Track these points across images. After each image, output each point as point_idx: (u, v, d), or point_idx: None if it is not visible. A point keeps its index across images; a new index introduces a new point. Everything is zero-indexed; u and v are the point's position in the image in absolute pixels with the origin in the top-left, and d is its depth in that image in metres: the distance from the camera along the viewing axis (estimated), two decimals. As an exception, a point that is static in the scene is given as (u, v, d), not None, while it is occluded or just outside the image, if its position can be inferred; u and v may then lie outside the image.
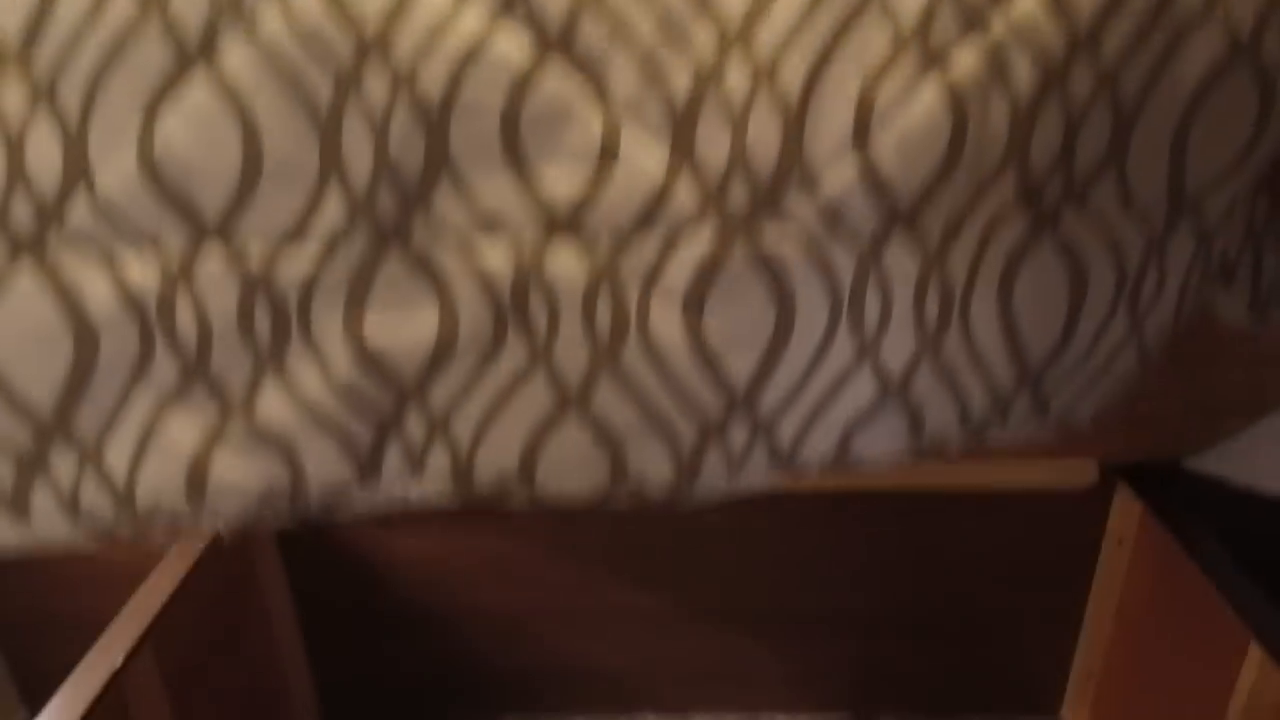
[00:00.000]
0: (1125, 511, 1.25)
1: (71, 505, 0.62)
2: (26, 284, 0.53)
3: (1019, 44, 0.52)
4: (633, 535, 1.33)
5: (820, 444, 0.65)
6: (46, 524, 0.62)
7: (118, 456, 0.60)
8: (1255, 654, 0.99)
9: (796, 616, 1.38)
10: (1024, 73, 0.52)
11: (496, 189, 0.54)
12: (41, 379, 0.56)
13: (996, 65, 0.52)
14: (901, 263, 0.58)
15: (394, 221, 0.55)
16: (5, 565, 1.37)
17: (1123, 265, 0.60)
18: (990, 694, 1.45)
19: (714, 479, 0.64)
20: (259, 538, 1.30)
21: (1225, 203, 0.60)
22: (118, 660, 0.98)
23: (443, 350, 0.58)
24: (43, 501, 0.62)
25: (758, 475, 0.65)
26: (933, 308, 0.59)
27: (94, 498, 0.61)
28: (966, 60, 0.52)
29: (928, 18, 0.52)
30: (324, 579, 1.37)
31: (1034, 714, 1.45)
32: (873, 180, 0.54)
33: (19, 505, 0.61)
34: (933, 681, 1.43)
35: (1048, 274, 0.59)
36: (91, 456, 0.60)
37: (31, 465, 0.60)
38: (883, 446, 0.66)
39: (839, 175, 0.54)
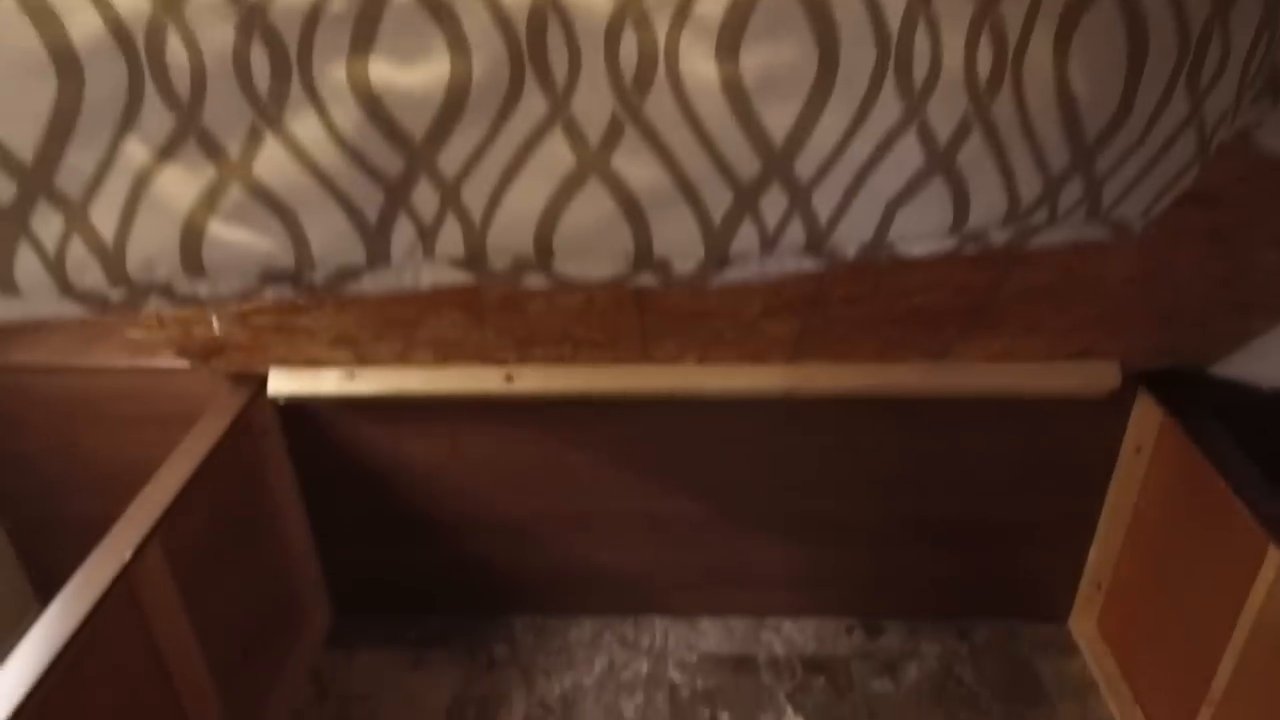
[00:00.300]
0: (1145, 419, 1.23)
1: (58, 268, 0.57)
2: (4, 3, 0.49)
3: None
4: (642, 442, 1.31)
5: (859, 220, 0.61)
6: (32, 291, 0.58)
7: (106, 215, 0.56)
8: (1274, 560, 0.98)
9: (805, 522, 1.38)
10: None
11: None
12: (21, 119, 0.52)
13: None
14: (951, 7, 0.54)
15: None
16: (15, 466, 1.36)
17: (1186, 29, 0.55)
18: (997, 602, 1.45)
19: (745, 257, 0.60)
20: (268, 438, 1.29)
21: None
22: (125, 555, 0.97)
23: (455, 101, 0.54)
24: (27, 265, 0.57)
25: (791, 255, 0.61)
26: (984, 62, 0.55)
27: (82, 261, 0.57)
28: None
29: None
30: (333, 482, 1.36)
31: (1041, 622, 1.46)
32: None
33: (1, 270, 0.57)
34: (940, 589, 1.44)
35: (1107, 31, 0.54)
36: (78, 215, 0.55)
37: (13, 223, 0.55)
38: (924, 227, 0.62)
39: None
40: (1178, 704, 1.18)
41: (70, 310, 0.59)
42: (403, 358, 1.17)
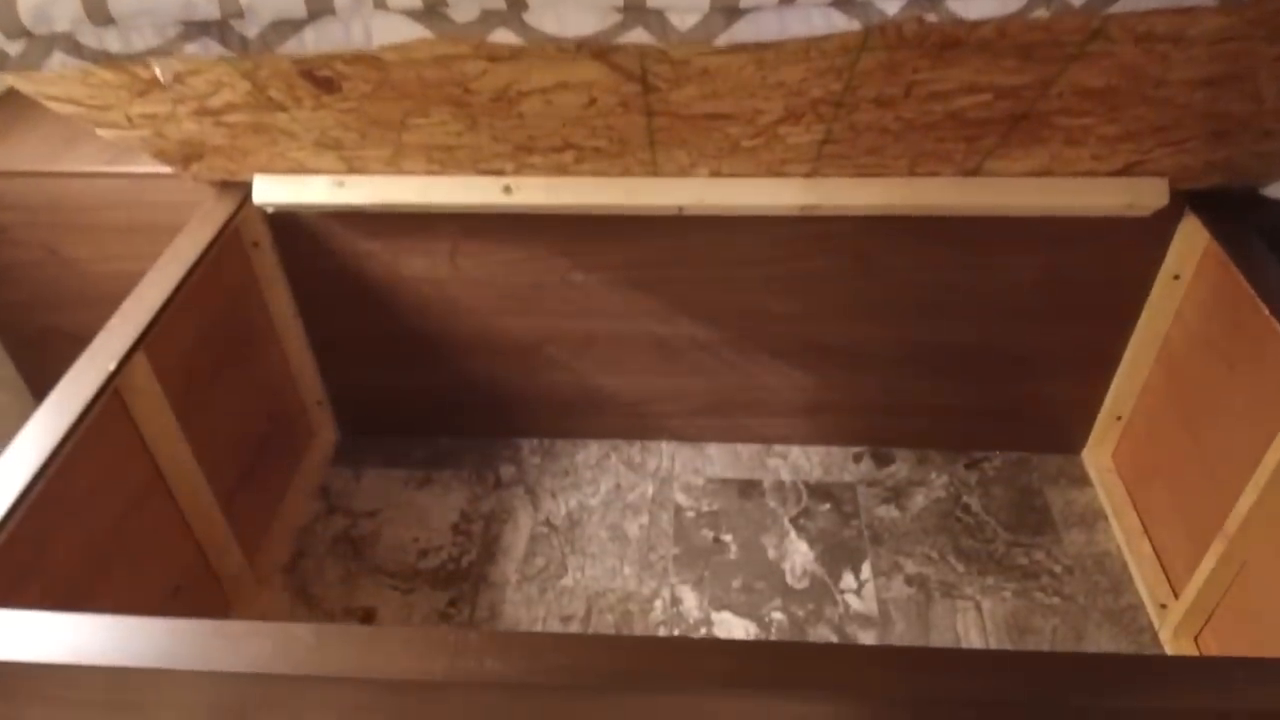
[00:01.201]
0: (1188, 242, 1.15)
1: None
2: None
3: None
4: (649, 261, 1.25)
5: None
6: None
7: None
8: (1312, 390, 0.93)
9: (818, 348, 1.33)
10: None
11: None
12: None
13: None
14: None
15: None
16: (11, 286, 1.32)
17: None
18: (1012, 433, 1.42)
19: (760, 7, 0.50)
20: (259, 251, 1.24)
21: None
22: (109, 366, 0.94)
23: None
24: None
25: (818, 13, 0.50)
26: None
27: None
28: None
29: None
30: (332, 300, 1.32)
31: (1054, 452, 1.43)
32: None
33: None
34: (954, 419, 1.41)
35: None
36: None
37: None
38: None
39: None
40: (1189, 535, 1.16)
41: None
42: (393, 165, 1.09)
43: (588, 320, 1.32)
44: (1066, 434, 1.42)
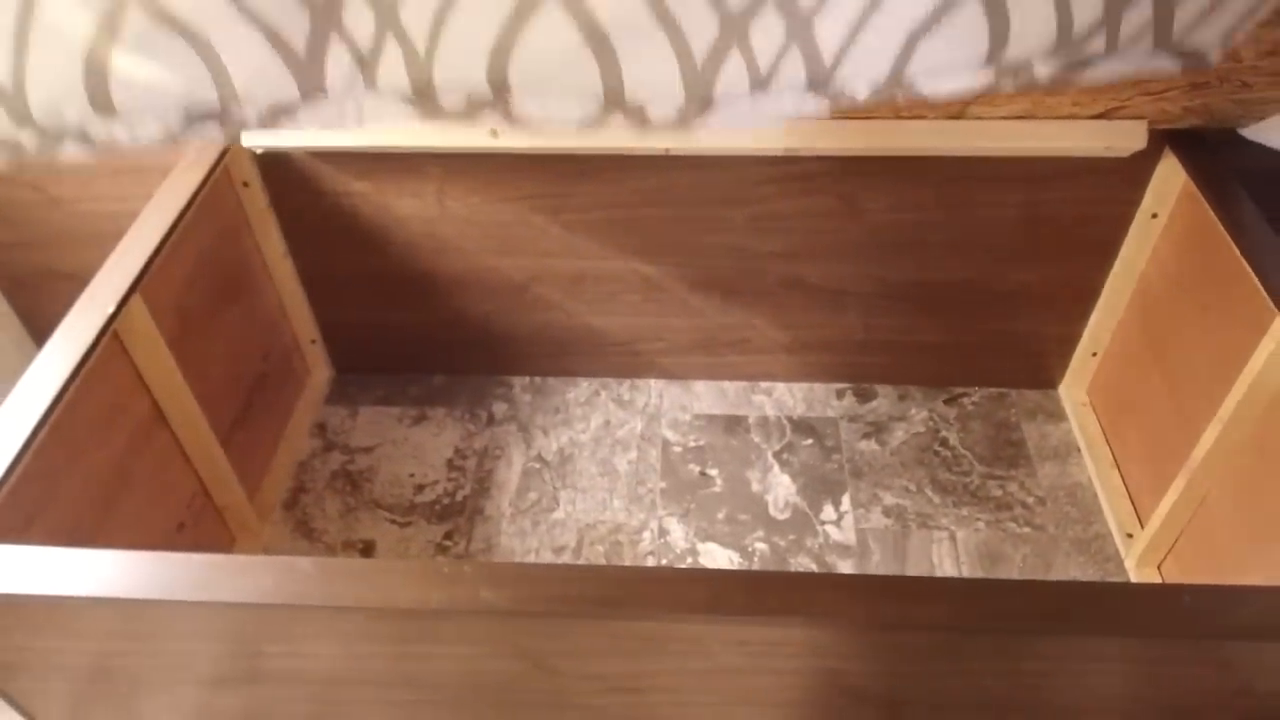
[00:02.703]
0: (1165, 184, 1.16)
1: None
2: None
3: None
4: (635, 202, 1.26)
5: (872, 54, 0.52)
6: None
7: None
8: (1278, 331, 0.96)
9: (803, 287, 1.36)
10: None
11: None
12: None
13: None
14: None
15: None
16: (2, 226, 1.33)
17: None
18: (991, 370, 1.46)
19: (734, 99, 0.53)
20: (249, 191, 1.24)
21: None
22: (109, 308, 0.96)
23: None
24: None
25: (790, 95, 0.53)
26: None
27: None
28: None
29: None
30: (323, 241, 1.33)
31: (1032, 388, 1.47)
32: None
33: None
34: (934, 355, 1.44)
35: None
36: None
37: None
38: (952, 60, 0.53)
39: None
40: (1156, 468, 1.21)
41: None
42: (381, 107, 1.09)
43: (576, 260, 1.34)
44: (1044, 369, 1.45)
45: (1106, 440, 1.36)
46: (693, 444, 1.42)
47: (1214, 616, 0.72)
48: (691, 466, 1.39)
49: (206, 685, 0.86)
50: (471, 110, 0.55)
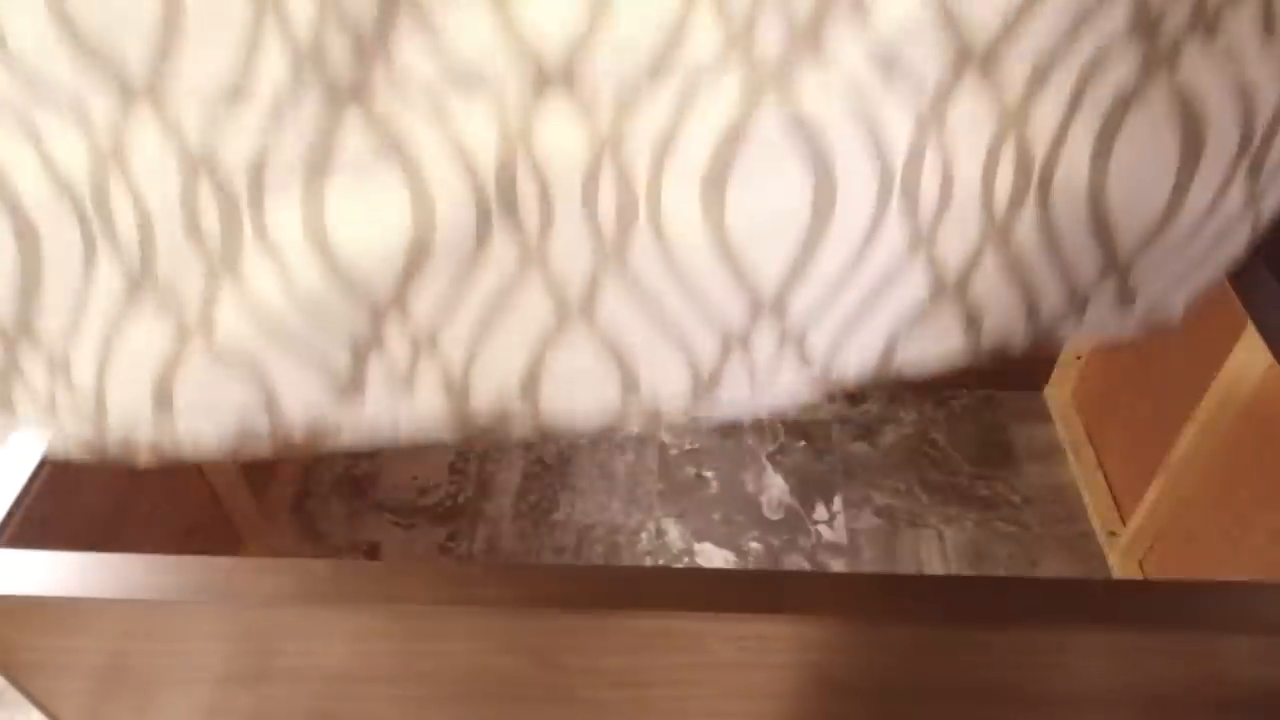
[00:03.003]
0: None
1: (49, 414, 0.58)
2: None
3: None
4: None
5: (860, 352, 0.58)
6: (33, 433, 0.60)
7: (84, 366, 0.55)
8: (1249, 339, 1.00)
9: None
10: None
11: (470, 30, 0.44)
12: None
13: None
14: (972, 121, 0.47)
15: (350, 77, 0.45)
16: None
17: (1251, 118, 0.48)
18: (979, 371, 1.48)
19: (736, 395, 0.58)
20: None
21: None
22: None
23: (418, 253, 0.50)
24: (26, 409, 0.58)
25: (786, 390, 0.59)
26: (1005, 180, 0.49)
27: (68, 409, 0.57)
28: None
29: None
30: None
31: (1019, 390, 1.51)
32: (942, 7, 0.43)
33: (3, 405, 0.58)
34: (924, 359, 1.47)
35: (1156, 130, 0.48)
36: (60, 364, 0.55)
37: (4, 371, 0.56)
38: (933, 352, 0.59)
39: (897, 1, 0.43)
40: (1137, 468, 1.24)
41: (70, 453, 0.60)
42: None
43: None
44: (1030, 373, 1.49)
45: (1090, 441, 1.40)
46: (689, 446, 1.45)
47: (1192, 610, 0.75)
48: (688, 468, 1.42)
49: (221, 683, 0.89)
50: (502, 413, 0.59)
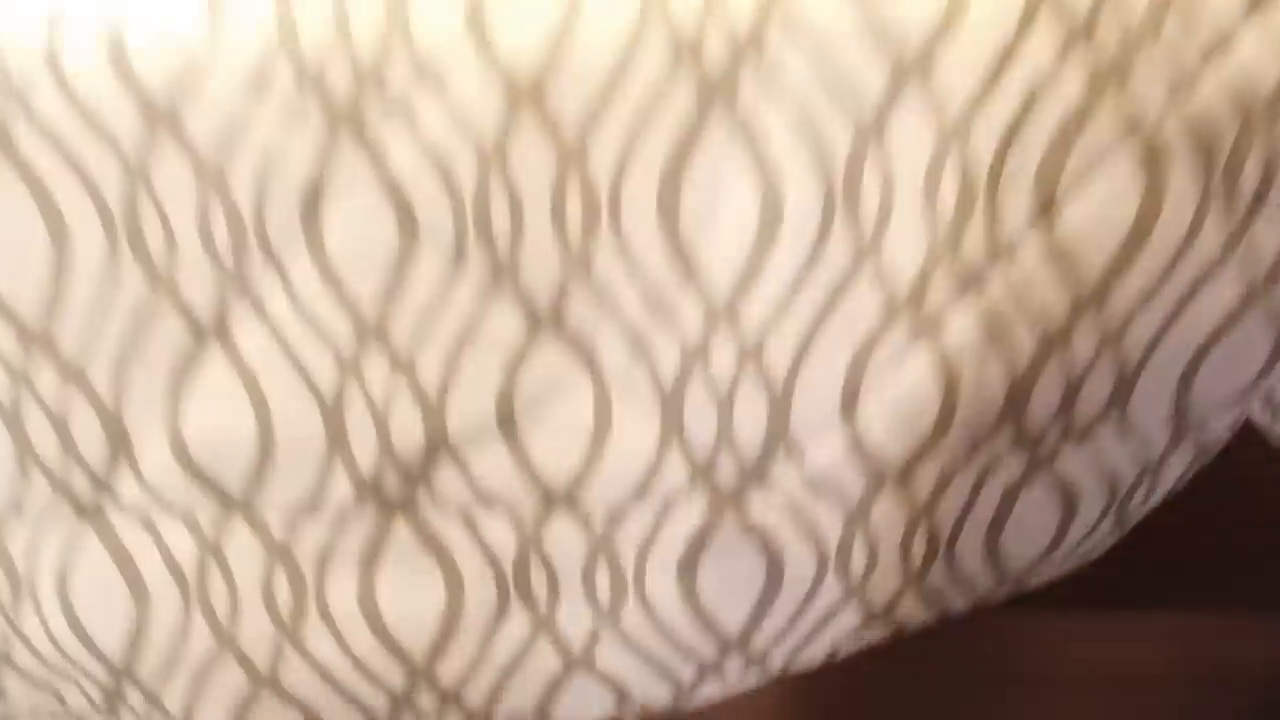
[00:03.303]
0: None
1: None
2: (94, 548, 0.56)
3: (1018, 307, 0.48)
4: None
5: (812, 657, 0.67)
6: None
7: (174, 699, 0.63)
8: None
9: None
10: (1023, 337, 0.49)
11: (494, 466, 0.54)
12: (110, 630, 0.59)
13: (992, 330, 0.49)
14: (889, 520, 0.57)
15: (400, 496, 0.56)
16: None
17: (1114, 489, 0.58)
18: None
19: (711, 695, 0.69)
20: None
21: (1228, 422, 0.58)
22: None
23: (449, 624, 0.59)
24: None
25: (751, 685, 0.69)
26: (919, 548, 0.58)
27: None
28: (961, 325, 0.49)
29: (923, 282, 0.48)
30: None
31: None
32: (861, 449, 0.53)
33: None
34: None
35: (1034, 511, 0.57)
36: (157, 701, 0.63)
37: (109, 706, 0.64)
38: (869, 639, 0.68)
39: (826, 447, 0.53)
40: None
41: None
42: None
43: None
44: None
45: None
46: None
47: (1162, 591, 0.76)
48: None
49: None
50: None
